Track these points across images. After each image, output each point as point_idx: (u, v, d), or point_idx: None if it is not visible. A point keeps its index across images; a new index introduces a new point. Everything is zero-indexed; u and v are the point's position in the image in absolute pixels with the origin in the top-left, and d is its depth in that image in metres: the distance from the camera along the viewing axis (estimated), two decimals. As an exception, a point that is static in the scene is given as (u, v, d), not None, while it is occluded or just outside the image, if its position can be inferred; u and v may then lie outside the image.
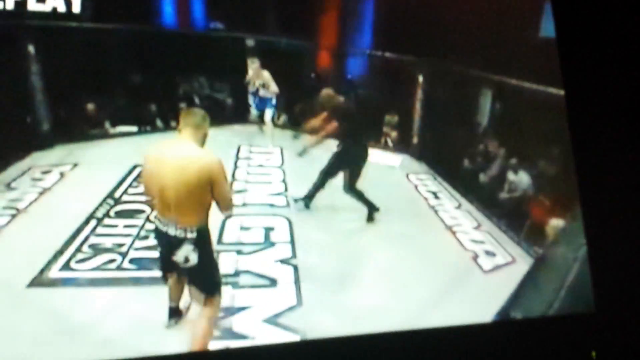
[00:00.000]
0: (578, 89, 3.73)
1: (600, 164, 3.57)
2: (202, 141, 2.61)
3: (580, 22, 3.69)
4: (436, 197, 5.08)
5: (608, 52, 3.66)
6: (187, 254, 2.57)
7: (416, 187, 5.25)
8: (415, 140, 6.09)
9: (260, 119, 6.10)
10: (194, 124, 2.59)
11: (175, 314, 3.01)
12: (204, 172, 2.48)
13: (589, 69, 3.69)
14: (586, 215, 3.50)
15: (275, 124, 6.23)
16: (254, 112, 6.22)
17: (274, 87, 5.90)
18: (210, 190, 2.52)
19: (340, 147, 4.44)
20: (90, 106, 5.89)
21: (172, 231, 2.57)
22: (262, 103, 6.01)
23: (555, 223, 4.10)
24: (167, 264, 2.76)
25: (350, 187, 4.43)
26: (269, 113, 5.98)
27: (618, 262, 3.37)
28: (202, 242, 2.60)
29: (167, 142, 2.63)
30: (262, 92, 5.96)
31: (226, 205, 2.64)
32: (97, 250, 3.75)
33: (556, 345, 3.08)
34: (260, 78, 5.92)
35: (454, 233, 4.49)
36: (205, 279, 2.68)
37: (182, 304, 3.02)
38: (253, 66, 5.99)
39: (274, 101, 6.01)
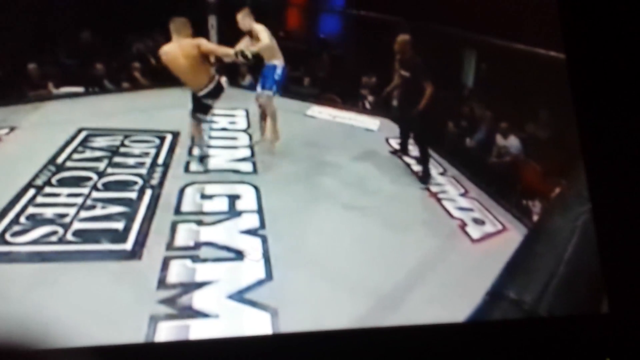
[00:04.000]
0: (579, 49, 3.59)
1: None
2: (189, 35, 4.16)
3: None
4: (419, 162, 4.91)
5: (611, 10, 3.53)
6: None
7: (396, 151, 5.08)
8: (394, 102, 5.91)
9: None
10: (176, 29, 4.15)
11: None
12: (194, 46, 4.12)
13: (592, 28, 3.56)
14: (596, 206, 3.36)
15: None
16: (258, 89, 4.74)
17: (265, 41, 4.38)
18: (205, 56, 4.20)
19: None
20: (31, 65, 5.53)
21: (202, 92, 4.30)
22: (266, 73, 4.61)
23: (549, 189, 3.99)
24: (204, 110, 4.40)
25: None
26: (266, 94, 4.61)
27: (633, 257, 3.25)
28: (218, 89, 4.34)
29: (169, 45, 4.15)
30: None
31: (223, 54, 4.33)
32: (36, 221, 3.48)
33: (566, 349, 2.95)
34: (253, 32, 4.46)
35: (439, 200, 4.34)
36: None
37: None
38: (242, 16, 4.48)
39: (278, 71, 4.58)
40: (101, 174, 4.13)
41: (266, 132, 4.78)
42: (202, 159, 4.51)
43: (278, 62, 4.60)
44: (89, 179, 4.03)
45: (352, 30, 6.71)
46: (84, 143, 4.62)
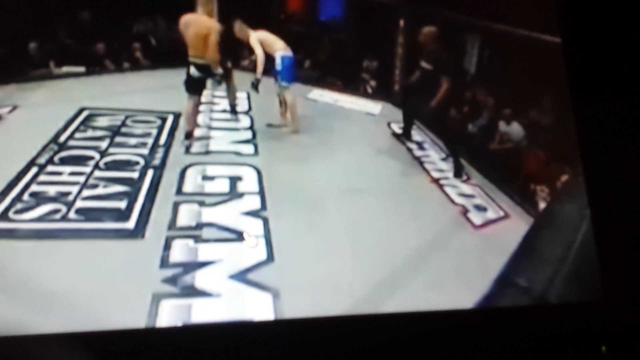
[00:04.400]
0: (576, 35, 3.58)
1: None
2: (212, 14, 4.60)
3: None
4: (421, 147, 4.92)
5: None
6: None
7: (398, 136, 5.08)
8: (396, 87, 5.91)
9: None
10: (201, 3, 4.54)
11: (191, 135, 4.55)
12: (207, 28, 4.48)
13: (587, 14, 3.54)
14: (591, 195, 3.37)
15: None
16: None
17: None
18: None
19: None
20: (32, 44, 5.49)
21: (202, 62, 4.51)
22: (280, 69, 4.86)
23: (553, 177, 3.99)
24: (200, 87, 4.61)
25: None
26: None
27: (629, 244, 3.25)
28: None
29: (191, 15, 4.55)
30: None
31: (213, 58, 4.57)
32: (39, 199, 3.50)
33: (561, 338, 2.96)
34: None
35: (440, 186, 4.35)
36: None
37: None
38: (238, 27, 4.90)
39: (286, 62, 4.85)
40: (103, 153, 4.14)
41: (287, 119, 4.92)
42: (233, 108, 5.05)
43: (283, 52, 4.81)
44: (91, 158, 4.04)
45: (353, 13, 6.65)
46: (85, 122, 4.61)
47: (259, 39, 4.87)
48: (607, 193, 3.30)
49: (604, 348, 2.97)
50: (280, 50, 4.82)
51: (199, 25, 4.50)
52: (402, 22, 5.92)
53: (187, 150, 4.43)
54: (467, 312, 3.02)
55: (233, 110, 5.01)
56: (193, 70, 4.54)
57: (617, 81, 3.46)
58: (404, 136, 5.03)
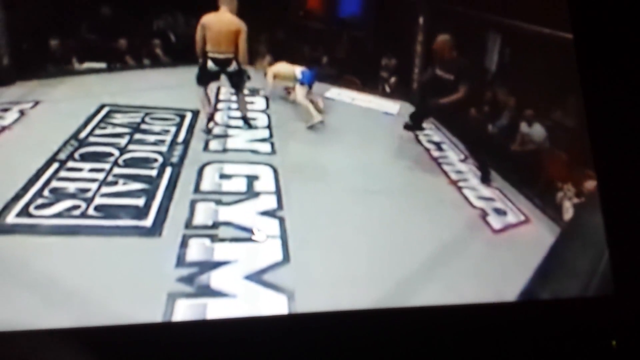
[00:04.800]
0: (589, 34, 3.53)
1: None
2: (234, 11, 4.68)
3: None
4: (439, 148, 4.88)
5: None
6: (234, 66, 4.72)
7: (417, 136, 5.04)
8: (415, 86, 5.86)
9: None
10: (226, 2, 4.67)
11: (212, 118, 4.86)
12: (235, 26, 4.65)
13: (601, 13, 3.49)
14: (603, 190, 3.32)
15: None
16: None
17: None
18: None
19: None
20: (54, 40, 5.55)
21: (222, 56, 4.68)
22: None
23: (576, 181, 3.92)
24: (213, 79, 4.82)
25: None
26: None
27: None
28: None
29: (214, 13, 4.68)
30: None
31: (242, 54, 4.74)
32: (59, 195, 3.53)
33: (571, 332, 2.93)
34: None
35: (459, 188, 4.30)
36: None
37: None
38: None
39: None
40: (122, 150, 4.17)
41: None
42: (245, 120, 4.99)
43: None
44: (110, 154, 4.07)
45: (372, 10, 6.61)
46: (105, 119, 4.65)
47: (273, 71, 5.35)
48: (618, 186, 3.26)
49: (614, 342, 2.94)
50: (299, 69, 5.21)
51: (228, 22, 4.66)
52: (421, 20, 5.88)
53: (206, 144, 4.47)
54: (479, 307, 3.00)
55: (246, 122, 4.97)
56: (211, 65, 4.68)
57: (629, 81, 3.41)
58: (413, 127, 5.01)
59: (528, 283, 3.09)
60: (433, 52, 4.77)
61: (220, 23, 4.66)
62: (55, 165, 3.86)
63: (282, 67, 5.35)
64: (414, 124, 5.00)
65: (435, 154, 4.77)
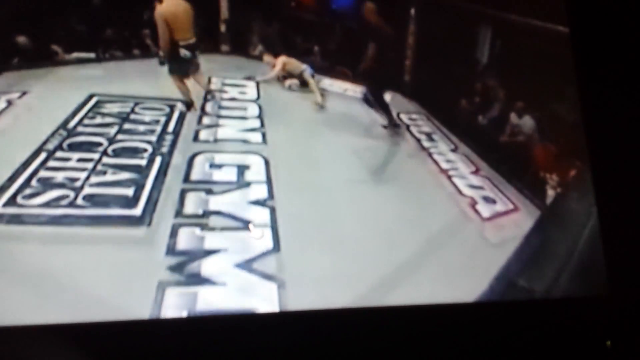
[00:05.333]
0: (585, 27, 3.54)
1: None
2: None
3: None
4: (430, 138, 4.89)
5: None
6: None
7: (408, 127, 5.05)
8: (406, 77, 5.85)
9: None
10: None
11: (192, 105, 4.84)
12: (190, 9, 4.63)
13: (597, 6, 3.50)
14: (598, 189, 3.33)
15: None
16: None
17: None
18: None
19: None
20: (42, 30, 5.49)
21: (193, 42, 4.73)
22: None
23: (563, 171, 3.95)
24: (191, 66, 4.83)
25: None
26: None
27: (634, 239, 3.21)
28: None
29: (167, 2, 4.60)
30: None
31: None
32: (47, 185, 3.50)
33: (566, 331, 2.94)
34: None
35: (449, 177, 4.32)
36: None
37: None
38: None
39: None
40: (111, 140, 4.14)
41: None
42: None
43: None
44: (99, 144, 4.04)
45: (365, 2, 6.59)
46: (94, 109, 4.60)
47: (284, 61, 5.52)
48: (614, 188, 3.28)
49: (608, 342, 2.96)
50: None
51: (185, 8, 4.68)
52: (413, 11, 5.86)
53: (197, 134, 4.45)
54: (473, 305, 3.01)
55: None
56: (185, 52, 4.72)
57: (625, 75, 3.42)
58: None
59: (502, 268, 3.12)
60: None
61: (179, 10, 4.67)
62: (44, 155, 3.82)
63: (292, 60, 5.55)
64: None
65: (426, 144, 4.76)
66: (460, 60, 5.45)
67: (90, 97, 4.76)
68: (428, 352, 2.76)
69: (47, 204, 3.33)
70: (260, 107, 5.06)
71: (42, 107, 4.56)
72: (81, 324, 2.54)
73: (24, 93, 4.74)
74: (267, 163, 4.08)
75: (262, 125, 4.73)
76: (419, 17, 5.84)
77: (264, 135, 4.55)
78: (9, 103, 4.55)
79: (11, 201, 3.31)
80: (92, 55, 5.72)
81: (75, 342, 2.47)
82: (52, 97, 4.77)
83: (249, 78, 5.53)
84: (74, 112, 4.49)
